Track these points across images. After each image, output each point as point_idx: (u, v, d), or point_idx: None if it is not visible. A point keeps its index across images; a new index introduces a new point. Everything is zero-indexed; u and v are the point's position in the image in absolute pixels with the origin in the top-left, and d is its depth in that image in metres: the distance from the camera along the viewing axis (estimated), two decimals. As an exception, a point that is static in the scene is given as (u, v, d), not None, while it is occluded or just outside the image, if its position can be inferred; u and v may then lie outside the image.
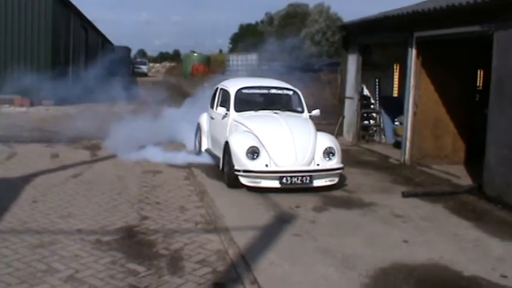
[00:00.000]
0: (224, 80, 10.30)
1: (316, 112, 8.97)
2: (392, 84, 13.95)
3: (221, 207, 6.78)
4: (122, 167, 9.10)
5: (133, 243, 5.39)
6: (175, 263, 4.89)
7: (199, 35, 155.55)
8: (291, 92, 9.06)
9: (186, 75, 26.71)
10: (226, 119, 8.65)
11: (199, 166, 9.30)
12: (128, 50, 44.58)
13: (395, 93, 13.95)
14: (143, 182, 8.12)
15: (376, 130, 13.47)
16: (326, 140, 8.01)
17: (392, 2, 14.26)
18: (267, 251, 5.28)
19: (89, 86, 21.73)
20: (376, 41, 12.01)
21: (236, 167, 7.53)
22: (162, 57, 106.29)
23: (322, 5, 62.19)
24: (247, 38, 69.29)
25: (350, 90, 13.22)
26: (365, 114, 13.35)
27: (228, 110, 8.64)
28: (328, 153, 7.82)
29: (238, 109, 8.59)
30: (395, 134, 12.24)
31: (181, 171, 8.98)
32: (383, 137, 13.36)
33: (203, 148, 9.97)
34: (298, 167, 7.52)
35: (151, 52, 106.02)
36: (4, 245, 5.08)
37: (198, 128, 10.26)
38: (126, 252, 5.08)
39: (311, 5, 61.09)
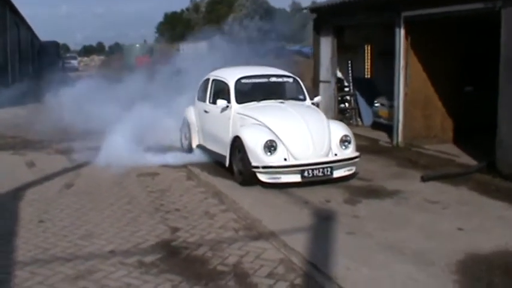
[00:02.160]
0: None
1: (318, 99, 8.60)
2: (364, 65, 13.79)
3: (250, 209, 6.23)
4: (112, 172, 8.25)
5: (182, 261, 4.75)
6: (243, 280, 4.34)
7: (122, 26, 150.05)
8: (291, 80, 8.57)
9: (131, 69, 25.36)
10: (227, 112, 8.03)
11: (195, 164, 8.66)
12: (56, 45, 42.14)
13: (367, 75, 13.82)
14: (146, 187, 7.40)
15: (352, 113, 13.28)
16: (340, 128, 7.65)
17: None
18: (332, 254, 4.83)
19: (30, 85, 20.25)
20: (355, 22, 11.67)
21: (254, 164, 6.98)
22: (86, 50, 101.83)
23: (248, -10, 61.78)
24: (174, 26, 67.52)
25: (325, 74, 12.91)
26: (339, 98, 13.12)
27: (228, 102, 8.02)
28: (344, 141, 7.46)
29: (239, 101, 8.00)
30: (377, 115, 12.09)
31: (179, 172, 8.30)
32: (358, 119, 13.21)
33: (194, 145, 9.30)
34: (317, 159, 7.09)
35: (74, 46, 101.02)
36: (37, 281, 4.29)
37: (186, 124, 9.55)
38: (181, 274, 4.45)
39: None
